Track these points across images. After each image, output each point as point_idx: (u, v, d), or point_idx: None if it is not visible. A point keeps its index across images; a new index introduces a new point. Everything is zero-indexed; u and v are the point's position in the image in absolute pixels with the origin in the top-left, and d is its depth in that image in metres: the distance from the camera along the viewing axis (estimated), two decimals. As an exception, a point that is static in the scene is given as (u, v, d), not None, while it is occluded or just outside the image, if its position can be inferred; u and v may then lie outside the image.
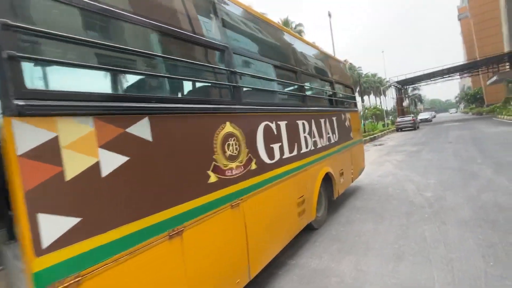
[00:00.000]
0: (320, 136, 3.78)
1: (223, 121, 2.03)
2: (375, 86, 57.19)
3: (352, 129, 5.37)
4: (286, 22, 28.13)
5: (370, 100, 62.18)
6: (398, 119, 25.88)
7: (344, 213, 4.35)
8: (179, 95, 1.89)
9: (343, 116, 4.91)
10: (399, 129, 25.26)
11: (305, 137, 3.32)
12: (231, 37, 2.34)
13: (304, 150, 3.25)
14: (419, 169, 6.94)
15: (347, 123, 5.10)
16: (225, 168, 1.99)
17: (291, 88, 3.36)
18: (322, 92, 4.48)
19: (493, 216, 3.44)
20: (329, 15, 18.94)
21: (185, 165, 1.69)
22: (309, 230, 3.66)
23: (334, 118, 4.41)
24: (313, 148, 3.51)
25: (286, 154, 2.85)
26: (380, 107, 30.72)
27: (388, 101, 44.17)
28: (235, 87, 2.21)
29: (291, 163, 2.92)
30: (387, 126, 30.34)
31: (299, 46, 3.78)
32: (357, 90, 56.17)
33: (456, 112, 77.85)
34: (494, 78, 30.34)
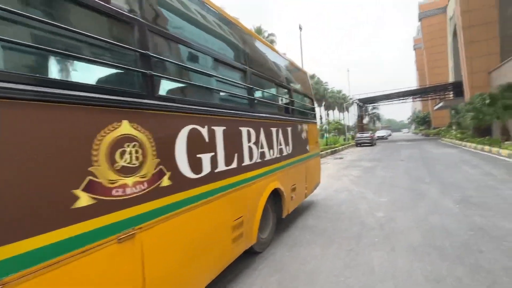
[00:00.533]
0: (270, 147, 3.35)
1: (116, 119, 1.45)
2: (340, 102, 60.31)
3: (309, 142, 5.08)
4: (258, 30, 28.25)
5: (334, 115, 65.38)
6: (358, 135, 27.24)
7: (293, 233, 3.95)
8: (28, 71, 1.26)
9: (299, 127, 4.58)
10: (358, 144, 26.55)
11: (249, 147, 2.85)
12: (149, 9, 1.79)
13: (247, 162, 2.77)
14: (373, 186, 6.95)
15: (303, 134, 4.78)
16: (111, 186, 1.39)
17: (236, 88, 2.88)
18: (276, 99, 4.10)
19: (441, 242, 3.29)
20: (300, 28, 19.32)
21: (21, 182, 1.07)
22: (250, 254, 3.17)
23: (288, 128, 4.04)
24: (259, 160, 3.05)
25: (221, 167, 2.33)
26: (342, 122, 32.22)
27: (350, 117, 46.79)
28: (144, 75, 1.65)
29: (227, 178, 2.40)
30: (348, 141, 31.78)
31: (252, 43, 3.35)
32: (323, 104, 58.81)
33: (408, 132, 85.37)
34: (441, 104, 33.76)
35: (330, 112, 64.87)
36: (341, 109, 61.25)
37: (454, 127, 23.15)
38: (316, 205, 5.42)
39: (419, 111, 61.51)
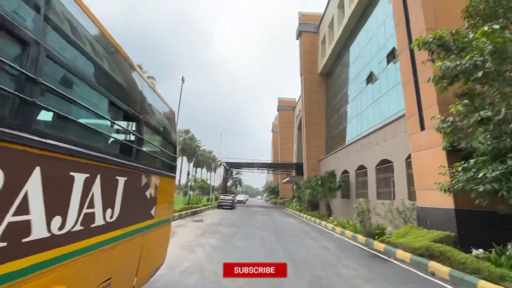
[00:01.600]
0: (59, 210, 1.63)
1: None
2: (209, 162, 62.19)
3: (158, 203, 3.54)
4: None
5: (202, 173, 65.90)
6: (221, 197, 27.41)
7: None
8: None
9: (144, 180, 3.05)
10: (220, 206, 26.44)
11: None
12: None
13: None
14: (230, 261, 5.87)
15: (150, 192, 3.25)
16: None
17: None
18: (107, 127, 2.52)
19: None
20: (182, 80, 19.06)
21: None
22: None
23: (121, 179, 2.45)
24: (3, 244, 1.25)
25: None
26: (208, 182, 31.88)
27: (216, 178, 48.27)
28: None
29: None
30: (211, 201, 31.34)
31: (69, 20, 1.88)
32: (193, 160, 58.52)
33: (261, 199, 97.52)
34: (287, 179, 40.99)
35: (199, 170, 65.08)
36: (210, 169, 62.93)
37: (295, 200, 27.73)
38: (150, 301, 3.59)
39: (271, 182, 72.63)
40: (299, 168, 37.53)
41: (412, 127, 8.91)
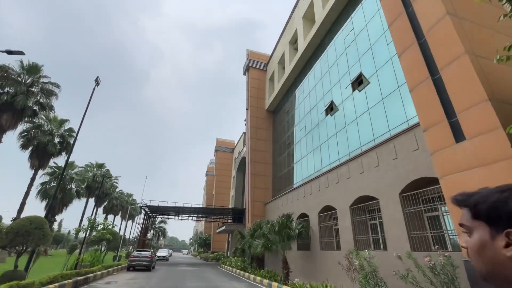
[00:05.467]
0: None
1: None
2: (127, 206, 50.72)
3: None
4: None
5: (115, 221, 52.99)
6: (135, 253, 19.76)
7: None
8: None
9: None
10: (131, 267, 18.81)
11: None
12: None
13: None
14: None
15: None
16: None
17: None
18: None
19: None
20: (96, 81, 13.73)
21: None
22: None
23: None
24: None
25: None
26: (116, 231, 23.05)
27: (133, 228, 38.30)
28: None
29: None
30: (119, 260, 22.72)
31: None
32: (104, 205, 46.56)
33: (188, 253, 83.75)
34: (222, 227, 35.07)
35: (110, 216, 52.12)
36: (126, 216, 50.93)
37: (237, 253, 22.25)
38: None
39: (201, 232, 63.43)
40: (237, 214, 32.75)
41: (436, 140, 6.36)
